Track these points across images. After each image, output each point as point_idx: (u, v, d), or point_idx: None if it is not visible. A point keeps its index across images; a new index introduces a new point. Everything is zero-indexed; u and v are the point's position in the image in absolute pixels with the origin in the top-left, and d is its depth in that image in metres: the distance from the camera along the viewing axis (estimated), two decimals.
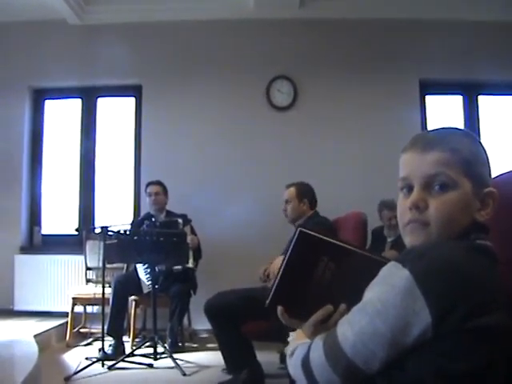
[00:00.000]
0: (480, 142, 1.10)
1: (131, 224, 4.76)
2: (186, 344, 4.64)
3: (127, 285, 4.41)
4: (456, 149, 1.04)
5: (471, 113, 5.60)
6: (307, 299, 1.09)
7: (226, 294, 3.55)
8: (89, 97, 5.69)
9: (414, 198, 1.05)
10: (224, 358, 3.48)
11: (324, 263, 1.08)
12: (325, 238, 1.10)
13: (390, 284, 0.91)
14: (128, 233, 4.09)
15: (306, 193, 3.85)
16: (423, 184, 1.05)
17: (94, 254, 4.87)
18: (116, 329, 4.27)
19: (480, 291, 0.90)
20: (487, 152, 1.10)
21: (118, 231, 3.99)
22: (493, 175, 1.12)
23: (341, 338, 0.94)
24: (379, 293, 0.92)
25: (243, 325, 3.34)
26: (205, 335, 4.99)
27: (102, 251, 3.89)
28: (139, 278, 4.42)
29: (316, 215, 3.80)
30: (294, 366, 1.06)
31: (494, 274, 0.98)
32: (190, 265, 4.34)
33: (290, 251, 1.10)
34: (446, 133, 1.10)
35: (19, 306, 5.11)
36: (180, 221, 4.41)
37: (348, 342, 0.93)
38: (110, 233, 3.92)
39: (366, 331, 0.91)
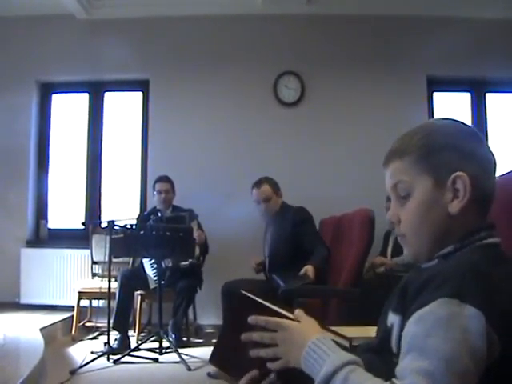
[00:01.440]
0: (446, 125, 1.05)
1: (137, 218, 4.76)
2: (191, 339, 4.64)
3: (133, 279, 4.42)
4: (407, 150, 1.03)
5: (479, 110, 5.57)
6: (243, 360, 1.06)
7: (245, 282, 3.62)
8: (96, 91, 5.69)
9: (388, 214, 1.08)
10: None
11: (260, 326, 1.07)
12: (263, 302, 1.09)
13: (462, 328, 0.83)
14: (134, 227, 4.09)
15: (277, 185, 3.89)
16: (393, 197, 1.07)
17: (100, 248, 4.89)
18: (122, 323, 4.27)
19: None
20: (462, 132, 1.03)
21: (125, 225, 3.99)
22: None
23: None
24: (457, 343, 0.82)
25: None
26: (210, 330, 5.00)
27: (108, 245, 3.90)
28: (146, 273, 4.42)
29: (287, 205, 3.84)
30: None
31: None
32: (194, 260, 4.35)
33: (230, 311, 1.14)
34: (401, 137, 1.08)
35: (25, 299, 5.13)
36: (187, 216, 4.42)
37: None
38: (116, 227, 3.93)
39: None
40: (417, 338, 0.85)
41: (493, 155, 1.04)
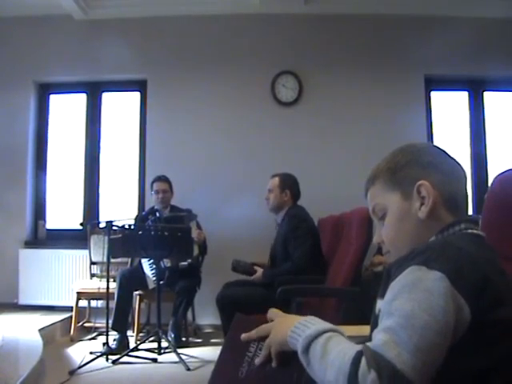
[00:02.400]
0: (406, 148, 1.17)
1: (136, 218, 4.75)
2: (190, 339, 4.63)
3: (132, 280, 4.41)
4: (376, 176, 1.16)
5: (477, 109, 5.57)
6: (240, 381, 1.09)
7: (237, 286, 3.61)
8: (94, 91, 5.69)
9: (373, 239, 1.21)
10: None
11: (255, 345, 1.10)
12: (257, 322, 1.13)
13: (425, 290, 0.87)
14: (133, 227, 4.09)
15: (288, 184, 3.92)
16: (375, 221, 1.19)
17: (98, 249, 4.89)
18: (120, 323, 4.27)
19: (496, 284, 0.91)
20: (420, 150, 1.15)
21: (123, 226, 3.99)
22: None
23: (399, 365, 0.80)
24: (417, 302, 0.85)
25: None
26: (209, 330, 5.00)
27: (106, 246, 3.90)
28: (144, 274, 4.42)
29: (294, 207, 3.85)
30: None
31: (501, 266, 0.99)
32: (193, 261, 4.34)
33: (228, 332, 1.16)
34: (372, 168, 1.20)
35: (24, 300, 5.12)
36: (185, 216, 4.41)
37: (407, 366, 0.80)
38: (114, 227, 3.92)
39: (420, 347, 0.81)
40: (386, 304, 0.91)
41: (456, 162, 1.15)
